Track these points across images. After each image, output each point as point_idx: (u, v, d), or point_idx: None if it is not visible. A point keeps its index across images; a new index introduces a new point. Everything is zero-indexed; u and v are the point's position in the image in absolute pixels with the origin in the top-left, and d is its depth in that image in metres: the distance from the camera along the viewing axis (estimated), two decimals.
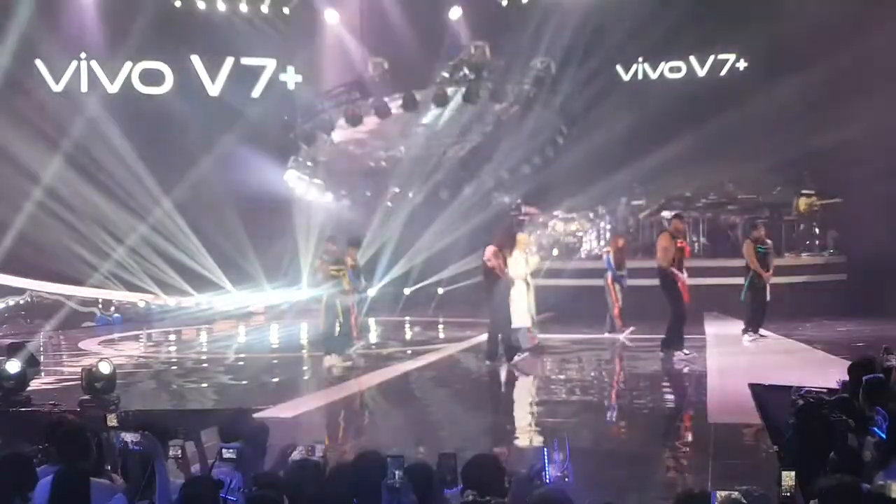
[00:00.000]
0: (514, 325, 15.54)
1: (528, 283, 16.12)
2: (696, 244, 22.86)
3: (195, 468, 6.28)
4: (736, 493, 4.92)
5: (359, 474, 5.41)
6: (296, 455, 5.98)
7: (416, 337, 20.58)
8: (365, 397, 13.69)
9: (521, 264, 15.88)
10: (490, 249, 15.42)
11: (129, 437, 5.77)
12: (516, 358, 15.30)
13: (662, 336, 15.74)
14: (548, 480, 5.59)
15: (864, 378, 7.61)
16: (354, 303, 16.35)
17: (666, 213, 22.56)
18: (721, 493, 4.85)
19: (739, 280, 17.46)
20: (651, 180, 23.67)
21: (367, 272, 19.15)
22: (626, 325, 18.41)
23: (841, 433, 6.25)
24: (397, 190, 25.10)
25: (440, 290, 23.91)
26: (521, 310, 15.78)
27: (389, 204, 24.82)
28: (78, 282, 23.02)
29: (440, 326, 21.83)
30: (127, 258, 23.66)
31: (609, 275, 18.62)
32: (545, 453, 5.67)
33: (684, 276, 15.54)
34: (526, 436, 11.01)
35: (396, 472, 5.07)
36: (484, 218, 23.22)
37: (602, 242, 24.18)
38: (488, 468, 5.50)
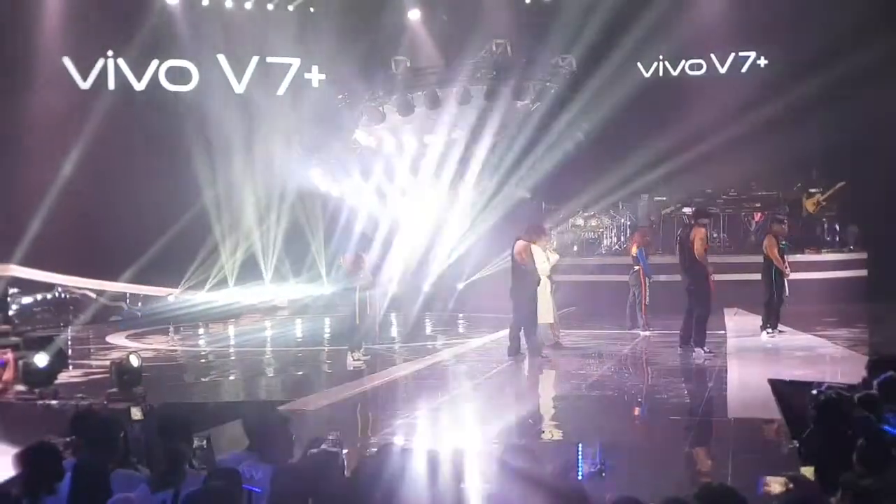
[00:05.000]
0: (538, 322, 15.66)
1: (550, 280, 16.25)
2: (717, 240, 22.87)
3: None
4: (783, 478, 5.02)
5: (382, 467, 5.53)
6: (320, 448, 6.10)
7: (437, 332, 20.67)
8: (387, 391, 13.80)
9: (542, 261, 15.96)
10: (520, 244, 15.48)
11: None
12: (540, 355, 15.38)
13: (679, 332, 15.80)
14: (580, 476, 5.68)
15: (881, 376, 7.67)
16: (376, 298, 16.51)
17: (688, 210, 22.56)
18: (770, 479, 4.93)
19: (759, 276, 17.46)
20: (672, 176, 23.68)
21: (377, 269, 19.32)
22: (651, 322, 18.34)
23: (864, 428, 6.31)
24: (419, 187, 25.19)
25: (459, 285, 24.00)
26: (544, 306, 15.89)
27: (410, 200, 24.91)
28: (107, 276, 23.22)
29: (460, 321, 21.91)
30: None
31: (640, 269, 18.24)
32: (578, 450, 5.76)
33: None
34: (548, 430, 11.09)
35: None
36: (505, 215, 23.27)
37: (623, 238, 24.19)
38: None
